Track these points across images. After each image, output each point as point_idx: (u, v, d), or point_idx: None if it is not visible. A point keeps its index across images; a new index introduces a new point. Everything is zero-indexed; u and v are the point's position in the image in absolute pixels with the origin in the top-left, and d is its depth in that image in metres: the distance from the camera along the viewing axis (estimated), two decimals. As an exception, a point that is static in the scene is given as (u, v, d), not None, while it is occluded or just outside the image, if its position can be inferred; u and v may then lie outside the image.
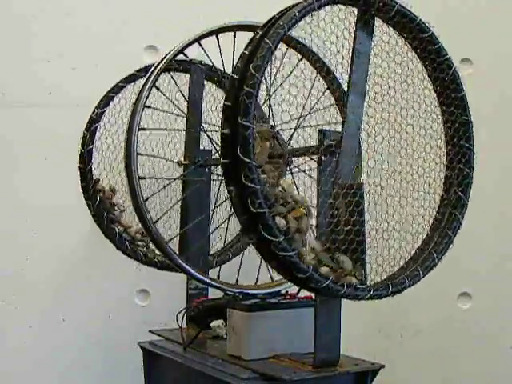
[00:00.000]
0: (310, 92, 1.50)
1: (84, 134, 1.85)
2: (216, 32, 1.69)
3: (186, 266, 1.63)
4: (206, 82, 1.92)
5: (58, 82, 2.14)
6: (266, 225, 1.17)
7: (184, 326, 1.72)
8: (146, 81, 1.65)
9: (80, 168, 1.86)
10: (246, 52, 1.25)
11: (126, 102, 1.86)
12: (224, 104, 1.24)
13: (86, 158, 1.84)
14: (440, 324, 2.28)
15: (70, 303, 2.16)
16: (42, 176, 2.13)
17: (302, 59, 1.67)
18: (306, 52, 1.65)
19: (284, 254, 1.18)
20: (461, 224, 1.42)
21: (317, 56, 1.63)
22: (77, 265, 2.16)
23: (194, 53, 1.76)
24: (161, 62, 1.66)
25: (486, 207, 2.16)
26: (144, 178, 1.72)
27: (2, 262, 2.11)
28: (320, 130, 1.34)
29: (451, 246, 1.41)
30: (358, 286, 1.27)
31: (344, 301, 1.34)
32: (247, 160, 1.16)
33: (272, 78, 1.50)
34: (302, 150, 1.48)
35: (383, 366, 1.44)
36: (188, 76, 1.87)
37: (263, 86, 1.31)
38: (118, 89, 1.88)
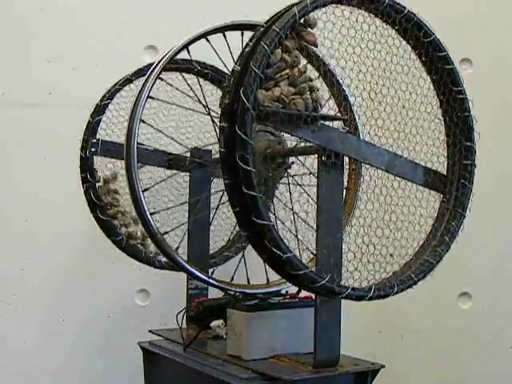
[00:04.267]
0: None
1: (88, 122, 1.84)
2: (222, 29, 1.67)
3: (187, 265, 1.63)
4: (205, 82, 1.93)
5: (58, 82, 2.14)
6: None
7: (184, 325, 1.72)
8: (150, 73, 1.64)
9: (81, 159, 1.84)
10: (251, 42, 1.25)
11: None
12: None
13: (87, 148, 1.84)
14: (440, 324, 2.28)
15: (70, 303, 2.16)
16: (41, 176, 2.13)
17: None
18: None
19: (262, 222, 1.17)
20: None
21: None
22: (77, 265, 2.16)
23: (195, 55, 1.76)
24: (166, 55, 1.65)
25: (485, 208, 2.15)
26: (143, 165, 1.73)
27: (2, 261, 2.11)
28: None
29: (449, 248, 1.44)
30: (354, 287, 1.28)
31: (344, 301, 1.34)
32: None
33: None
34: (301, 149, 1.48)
35: (383, 366, 1.44)
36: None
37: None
38: (124, 82, 1.88)
